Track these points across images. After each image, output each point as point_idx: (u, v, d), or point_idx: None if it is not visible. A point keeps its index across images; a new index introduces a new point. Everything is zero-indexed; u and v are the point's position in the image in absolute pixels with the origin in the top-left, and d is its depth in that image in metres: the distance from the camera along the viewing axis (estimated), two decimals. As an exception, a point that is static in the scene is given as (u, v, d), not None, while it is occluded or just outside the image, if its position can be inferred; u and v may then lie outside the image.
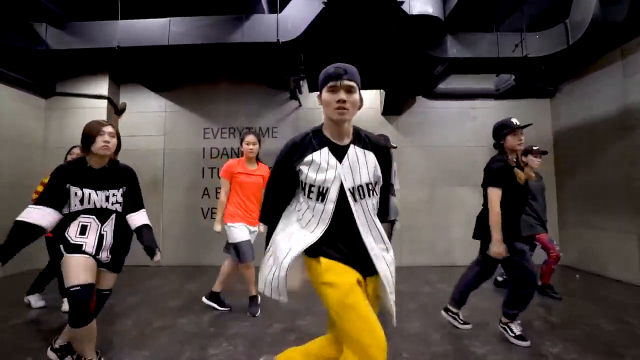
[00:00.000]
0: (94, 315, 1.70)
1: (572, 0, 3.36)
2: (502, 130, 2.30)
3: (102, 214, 1.80)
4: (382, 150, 1.34)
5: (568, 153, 4.99)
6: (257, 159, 3.00)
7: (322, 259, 1.20)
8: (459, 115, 5.36)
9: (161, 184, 5.32)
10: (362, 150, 1.28)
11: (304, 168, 1.25)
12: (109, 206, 1.81)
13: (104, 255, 1.80)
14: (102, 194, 1.79)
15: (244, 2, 3.21)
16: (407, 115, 5.35)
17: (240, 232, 2.80)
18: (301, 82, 5.00)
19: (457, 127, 5.32)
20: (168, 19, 3.32)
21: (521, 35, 3.51)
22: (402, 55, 3.66)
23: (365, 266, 1.23)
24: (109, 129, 1.81)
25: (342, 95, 1.20)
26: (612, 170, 4.18)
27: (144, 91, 5.44)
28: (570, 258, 4.89)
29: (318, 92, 1.30)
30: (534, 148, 3.20)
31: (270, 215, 1.41)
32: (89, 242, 1.75)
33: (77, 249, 1.72)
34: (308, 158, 1.24)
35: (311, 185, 1.24)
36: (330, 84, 1.22)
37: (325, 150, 1.25)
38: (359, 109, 1.27)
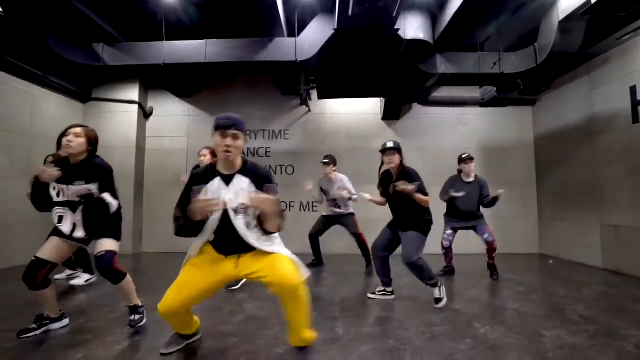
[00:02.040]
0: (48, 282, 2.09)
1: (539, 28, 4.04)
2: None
3: (73, 205, 2.09)
4: (259, 177, 1.75)
5: (546, 155, 5.65)
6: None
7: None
8: (451, 120, 6.00)
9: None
10: (244, 177, 1.72)
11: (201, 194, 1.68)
12: (78, 199, 2.08)
13: (80, 233, 2.11)
14: (73, 188, 2.05)
15: (267, 27, 3.87)
16: (404, 120, 6.00)
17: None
18: (311, 90, 5.66)
19: (450, 131, 5.96)
20: (205, 40, 4.00)
21: (499, 55, 4.17)
22: (398, 70, 4.33)
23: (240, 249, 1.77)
24: (75, 130, 2.07)
25: (229, 141, 1.61)
26: (580, 170, 4.83)
27: (169, 97, 6.08)
28: (548, 247, 5.54)
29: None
30: (463, 156, 3.73)
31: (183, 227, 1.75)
32: (65, 229, 2.10)
33: (57, 231, 2.10)
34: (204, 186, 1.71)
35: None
36: (220, 131, 1.62)
37: (217, 179, 1.71)
38: (242, 151, 1.73)
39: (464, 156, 3.72)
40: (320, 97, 5.47)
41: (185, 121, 6.10)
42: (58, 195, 2.09)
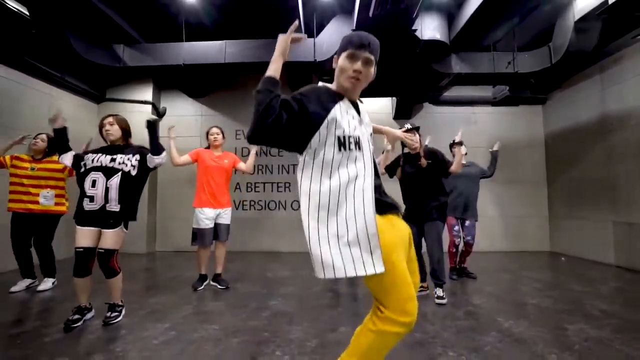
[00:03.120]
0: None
1: (554, 27, 4.08)
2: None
3: (109, 172, 2.28)
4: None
5: (557, 153, 5.69)
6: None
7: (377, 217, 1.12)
8: (462, 119, 6.04)
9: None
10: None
11: (334, 117, 1.12)
12: (115, 165, 2.29)
13: (114, 206, 2.26)
14: (108, 157, 2.31)
15: (286, 28, 3.90)
16: (415, 120, 6.04)
17: (200, 219, 3.19)
18: (323, 89, 5.71)
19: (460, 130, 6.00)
20: (224, 41, 4.06)
21: (513, 55, 4.22)
22: (414, 70, 4.38)
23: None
24: (108, 119, 2.43)
25: (359, 65, 1.16)
26: (593, 168, 4.87)
27: (182, 97, 6.15)
28: (559, 244, 5.59)
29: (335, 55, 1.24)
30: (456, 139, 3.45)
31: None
32: (97, 193, 2.24)
33: (82, 220, 2.26)
34: (336, 107, 1.14)
35: (349, 136, 1.13)
36: (350, 50, 1.16)
37: (346, 101, 1.20)
38: (369, 82, 1.24)
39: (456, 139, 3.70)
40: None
41: (198, 121, 6.16)
42: (93, 161, 2.29)
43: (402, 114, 5.85)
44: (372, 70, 1.22)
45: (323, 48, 3.91)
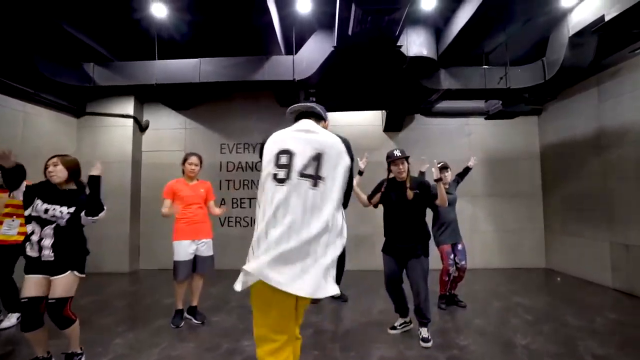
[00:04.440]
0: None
1: (548, 40, 3.87)
2: (387, 159, 2.79)
3: (44, 223, 2.13)
4: None
5: (553, 166, 5.49)
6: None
7: None
8: (455, 131, 5.85)
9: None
10: None
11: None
12: (48, 217, 2.13)
13: (48, 253, 2.10)
14: (44, 206, 2.12)
15: (263, 45, 3.72)
16: (406, 132, 5.85)
17: (179, 251, 3.03)
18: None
19: (454, 142, 5.81)
20: (199, 59, 3.85)
21: (505, 70, 4.01)
22: (401, 86, 4.17)
23: None
24: (52, 159, 2.22)
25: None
26: (589, 183, 4.67)
27: (165, 110, 5.94)
28: (555, 261, 5.40)
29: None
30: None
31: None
32: (32, 246, 2.11)
33: (29, 269, 2.11)
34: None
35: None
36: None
37: None
38: None
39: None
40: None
41: (182, 134, 5.96)
42: (33, 208, 2.14)
43: (392, 126, 5.65)
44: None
45: (303, 65, 3.70)
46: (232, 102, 5.91)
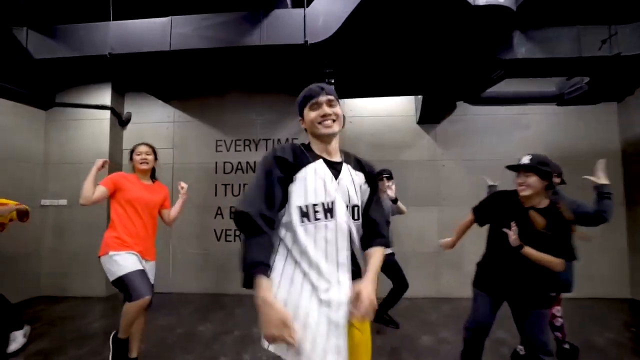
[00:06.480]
0: None
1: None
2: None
3: None
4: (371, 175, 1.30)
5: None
6: (153, 177, 2.49)
7: None
8: (507, 123, 4.63)
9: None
10: (353, 170, 1.25)
11: (299, 184, 1.14)
12: None
13: None
14: None
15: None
16: (446, 124, 4.66)
17: (126, 260, 2.11)
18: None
19: (505, 137, 4.60)
20: (169, 18, 2.69)
21: (609, 30, 2.76)
22: (454, 56, 2.98)
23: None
24: None
25: (326, 109, 1.20)
26: None
27: (151, 100, 4.94)
28: (646, 292, 4.12)
29: (299, 118, 1.29)
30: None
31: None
32: None
33: None
34: (302, 172, 1.15)
35: (314, 204, 1.12)
36: (310, 102, 1.22)
37: (321, 162, 1.19)
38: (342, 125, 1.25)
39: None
40: (340, 96, 4.18)
41: (169, 129, 4.95)
42: None
43: (429, 117, 4.47)
44: (339, 109, 1.24)
45: (318, 22, 2.55)
46: (231, 90, 4.85)
